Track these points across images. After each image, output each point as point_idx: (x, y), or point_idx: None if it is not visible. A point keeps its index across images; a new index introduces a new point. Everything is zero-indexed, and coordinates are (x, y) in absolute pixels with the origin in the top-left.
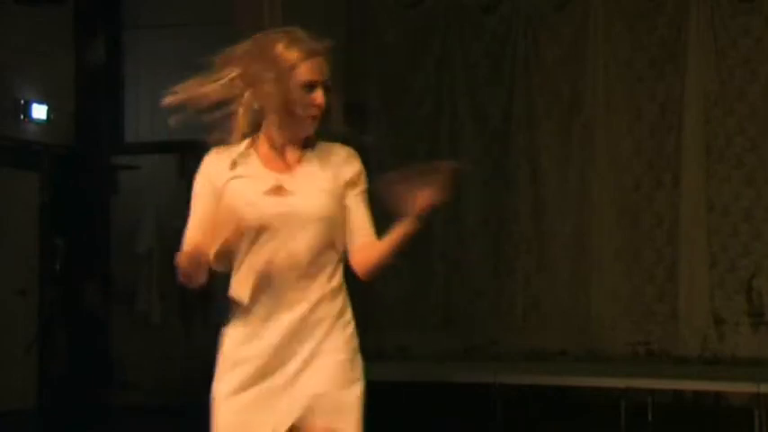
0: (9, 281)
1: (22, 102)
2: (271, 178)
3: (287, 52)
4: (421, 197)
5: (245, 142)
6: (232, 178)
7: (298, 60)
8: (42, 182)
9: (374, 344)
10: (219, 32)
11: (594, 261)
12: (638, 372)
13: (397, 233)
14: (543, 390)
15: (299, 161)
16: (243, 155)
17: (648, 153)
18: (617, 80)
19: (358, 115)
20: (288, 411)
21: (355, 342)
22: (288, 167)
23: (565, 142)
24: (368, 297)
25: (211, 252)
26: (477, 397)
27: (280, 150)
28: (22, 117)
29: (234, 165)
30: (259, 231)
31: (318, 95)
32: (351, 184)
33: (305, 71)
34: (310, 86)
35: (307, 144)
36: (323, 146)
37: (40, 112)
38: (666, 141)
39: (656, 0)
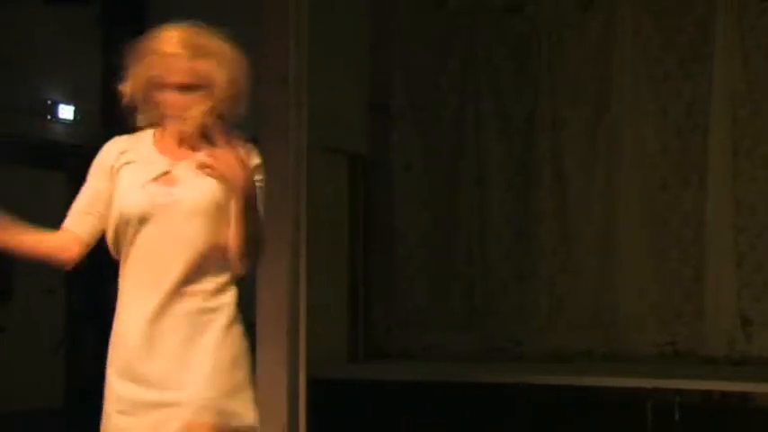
0: (37, 280)
1: (49, 102)
2: (162, 164)
3: (145, 48)
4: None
5: (148, 131)
6: (125, 163)
7: (151, 58)
8: (69, 182)
9: (399, 344)
10: (245, 33)
11: (620, 261)
12: (665, 372)
13: (233, 212)
14: (568, 390)
15: (194, 151)
16: (138, 140)
17: (675, 153)
18: (643, 80)
19: (383, 116)
20: None
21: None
22: (182, 156)
23: (590, 142)
24: (393, 298)
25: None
26: (501, 398)
27: (176, 140)
28: (48, 117)
29: (125, 150)
30: (141, 221)
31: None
32: None
33: (157, 70)
34: (160, 87)
35: (207, 139)
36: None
37: (66, 112)
38: (693, 141)
39: None
